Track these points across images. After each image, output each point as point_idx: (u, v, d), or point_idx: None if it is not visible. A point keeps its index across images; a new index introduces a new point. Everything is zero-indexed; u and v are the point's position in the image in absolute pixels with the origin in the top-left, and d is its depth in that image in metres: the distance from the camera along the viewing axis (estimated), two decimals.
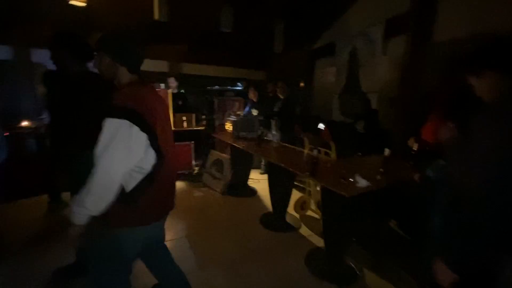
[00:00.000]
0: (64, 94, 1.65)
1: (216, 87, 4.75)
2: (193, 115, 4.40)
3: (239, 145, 3.07)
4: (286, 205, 2.83)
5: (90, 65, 1.55)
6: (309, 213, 3.06)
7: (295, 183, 3.07)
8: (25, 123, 3.64)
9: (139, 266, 1.44)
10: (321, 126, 4.27)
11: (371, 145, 2.99)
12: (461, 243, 0.89)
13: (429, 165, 1.83)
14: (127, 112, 0.99)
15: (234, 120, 3.42)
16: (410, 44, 3.19)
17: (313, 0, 4.09)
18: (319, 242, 2.46)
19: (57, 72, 1.74)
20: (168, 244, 2.35)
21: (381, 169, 1.99)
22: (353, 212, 1.93)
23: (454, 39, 2.80)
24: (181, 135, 4.36)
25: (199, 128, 4.38)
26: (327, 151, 2.63)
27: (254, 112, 4.15)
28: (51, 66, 1.72)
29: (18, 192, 3.10)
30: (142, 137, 1.02)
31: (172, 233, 2.57)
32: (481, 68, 0.96)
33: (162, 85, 4.49)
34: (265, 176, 3.40)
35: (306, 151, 2.52)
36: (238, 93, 4.87)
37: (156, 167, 1.10)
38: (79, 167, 1.40)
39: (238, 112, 4.08)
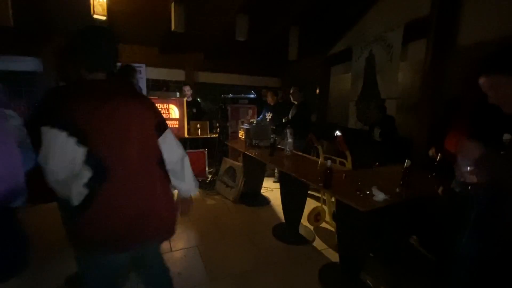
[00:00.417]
0: None
1: (230, 95, 4.79)
2: (207, 123, 4.45)
3: (251, 153, 3.03)
4: (300, 216, 2.73)
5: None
6: (324, 225, 2.94)
7: (310, 192, 2.98)
8: None
9: None
10: (337, 133, 4.15)
11: (389, 155, 2.85)
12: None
13: (454, 177, 1.69)
14: (55, 116, 0.90)
15: (246, 128, 3.39)
16: (431, 48, 3.03)
17: (329, 6, 4.04)
18: (334, 256, 2.34)
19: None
20: (179, 253, 2.38)
21: (400, 181, 1.87)
22: (370, 227, 1.82)
23: (480, 43, 2.64)
24: (195, 143, 4.41)
25: (213, 135, 4.41)
26: (343, 160, 2.53)
27: (268, 116, 4.14)
28: None
29: (41, 196, 3.22)
30: (72, 143, 0.89)
31: (184, 242, 2.55)
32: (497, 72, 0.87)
33: (178, 94, 4.57)
34: (279, 185, 3.33)
35: (320, 160, 2.44)
36: (251, 100, 4.88)
37: (93, 182, 0.92)
38: None
39: (251, 120, 4.07)
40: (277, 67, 6.21)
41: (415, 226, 2.08)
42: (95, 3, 3.20)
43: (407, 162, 1.85)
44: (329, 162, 1.81)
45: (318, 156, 2.87)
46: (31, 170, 0.92)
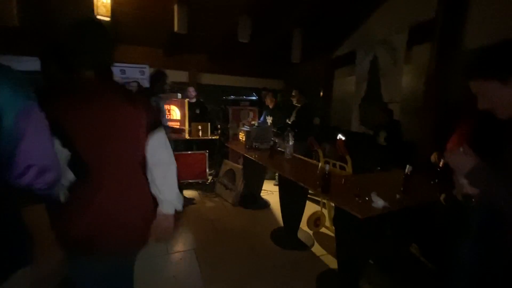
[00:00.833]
0: None
1: (232, 96, 4.77)
2: (208, 124, 4.43)
3: (251, 155, 2.99)
4: (299, 221, 2.68)
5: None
6: (324, 230, 2.89)
7: (310, 196, 2.93)
8: None
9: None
10: (340, 136, 4.10)
11: (393, 159, 2.79)
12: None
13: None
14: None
15: (247, 130, 3.36)
16: (436, 52, 2.98)
17: (333, 9, 4.01)
18: (332, 263, 2.29)
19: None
20: (175, 256, 2.35)
21: (401, 188, 1.82)
22: (369, 233, 1.77)
23: None
24: (196, 144, 4.40)
25: (214, 137, 4.39)
26: (343, 165, 2.48)
27: (269, 120, 4.10)
28: None
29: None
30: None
31: (181, 245, 2.53)
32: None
33: (179, 95, 4.58)
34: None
35: (320, 164, 2.39)
36: (252, 102, 4.86)
37: (75, 186, 0.91)
38: None
39: (252, 122, 4.04)
40: (280, 69, 6.19)
41: (416, 234, 2.02)
42: (99, 4, 3.22)
43: (408, 168, 1.79)
44: (326, 166, 1.76)
45: (319, 160, 2.83)
46: None
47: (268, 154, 2.93)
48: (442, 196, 1.72)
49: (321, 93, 5.51)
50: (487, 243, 1.23)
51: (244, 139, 3.49)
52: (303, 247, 2.55)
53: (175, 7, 3.56)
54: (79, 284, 1.04)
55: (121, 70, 4.71)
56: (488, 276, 1.16)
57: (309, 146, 2.97)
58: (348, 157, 2.43)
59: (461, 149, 0.81)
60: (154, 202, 1.11)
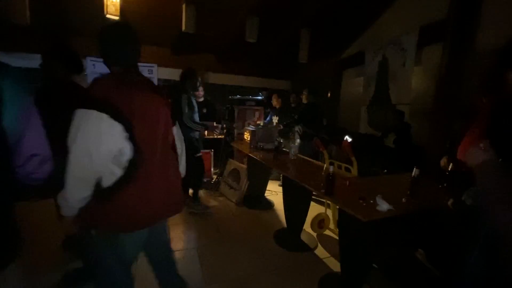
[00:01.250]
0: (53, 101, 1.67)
1: (238, 96, 4.76)
2: (213, 124, 4.43)
3: (255, 155, 2.98)
4: (302, 222, 2.65)
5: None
6: (328, 232, 2.85)
7: (314, 196, 2.89)
8: None
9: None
10: (347, 138, 4.05)
11: (400, 162, 2.73)
12: None
13: (465, 189, 1.57)
14: (96, 101, 0.96)
15: (252, 130, 3.35)
16: (448, 53, 2.90)
17: (342, 9, 3.96)
18: (335, 266, 2.25)
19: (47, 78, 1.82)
20: (176, 254, 2.34)
21: (408, 191, 1.77)
22: (374, 237, 1.72)
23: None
24: (202, 143, 4.40)
25: (219, 136, 4.39)
26: (349, 167, 2.44)
27: (275, 120, 4.08)
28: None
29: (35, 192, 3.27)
30: (115, 126, 0.96)
31: (183, 243, 2.53)
32: None
33: None
34: None
35: (325, 166, 2.36)
36: (258, 102, 4.84)
37: (133, 163, 1.02)
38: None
39: (257, 122, 4.02)
40: (288, 69, 6.15)
41: (421, 239, 1.96)
42: (109, 3, 3.26)
43: (415, 171, 1.75)
44: (331, 168, 1.73)
45: (325, 162, 2.79)
46: None
47: (273, 154, 2.92)
48: (450, 201, 1.67)
49: (329, 94, 5.46)
50: (495, 250, 1.18)
51: (249, 139, 3.47)
52: (306, 249, 2.52)
53: (183, 7, 3.58)
54: (127, 255, 1.17)
55: None
56: (495, 284, 1.11)
57: (313, 146, 2.94)
58: (353, 159, 2.39)
59: (481, 145, 0.78)
60: None
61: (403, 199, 1.71)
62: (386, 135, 3.17)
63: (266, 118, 4.49)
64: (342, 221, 1.92)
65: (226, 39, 4.69)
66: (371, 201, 1.63)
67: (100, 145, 0.95)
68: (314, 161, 2.82)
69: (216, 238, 2.67)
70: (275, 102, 4.35)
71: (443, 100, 2.99)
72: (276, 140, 3.01)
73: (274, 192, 3.90)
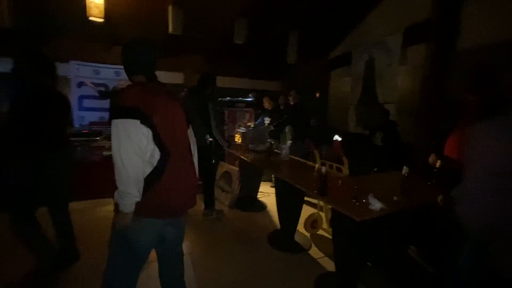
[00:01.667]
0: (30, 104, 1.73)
1: (228, 98, 4.74)
2: None
3: (247, 157, 2.96)
4: (295, 223, 2.65)
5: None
6: (321, 232, 2.86)
7: (306, 198, 2.90)
8: None
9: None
10: (336, 138, 4.09)
11: (390, 160, 2.78)
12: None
13: (454, 185, 1.61)
14: (128, 109, 1.10)
15: (243, 132, 3.34)
16: (431, 52, 2.99)
17: (329, 10, 4.01)
18: (330, 265, 2.26)
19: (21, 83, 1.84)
20: None
21: (399, 189, 1.80)
22: (367, 235, 1.74)
23: (481, 47, 2.58)
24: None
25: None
26: (340, 166, 2.46)
27: (267, 121, 4.08)
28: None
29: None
30: (145, 131, 1.11)
31: None
32: None
33: None
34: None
35: (316, 166, 2.37)
36: (248, 104, 4.83)
37: (161, 162, 1.17)
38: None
39: (248, 124, 4.01)
40: (277, 70, 6.16)
41: (414, 236, 2.00)
42: (91, 5, 3.17)
43: (404, 169, 1.78)
44: (323, 168, 1.74)
45: (316, 162, 2.80)
46: None
47: (265, 156, 2.91)
48: (440, 198, 1.70)
49: (317, 94, 5.51)
50: (485, 246, 1.21)
51: (240, 141, 3.46)
52: (301, 249, 2.52)
53: (170, 8, 3.53)
54: (145, 239, 1.27)
55: (115, 71, 4.65)
56: (486, 279, 1.14)
57: (306, 146, 2.95)
58: (344, 159, 2.41)
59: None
60: None
61: (395, 197, 1.74)
62: (374, 134, 3.22)
63: (257, 119, 4.49)
64: (336, 220, 1.93)
65: (214, 41, 4.66)
66: (364, 200, 1.64)
67: (140, 149, 1.11)
68: (306, 161, 2.83)
69: (210, 243, 2.63)
70: (267, 104, 4.34)
71: (428, 98, 3.08)
72: (268, 141, 3.00)
73: (266, 193, 3.89)
